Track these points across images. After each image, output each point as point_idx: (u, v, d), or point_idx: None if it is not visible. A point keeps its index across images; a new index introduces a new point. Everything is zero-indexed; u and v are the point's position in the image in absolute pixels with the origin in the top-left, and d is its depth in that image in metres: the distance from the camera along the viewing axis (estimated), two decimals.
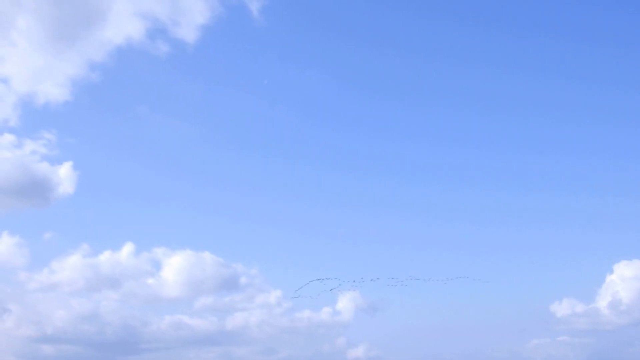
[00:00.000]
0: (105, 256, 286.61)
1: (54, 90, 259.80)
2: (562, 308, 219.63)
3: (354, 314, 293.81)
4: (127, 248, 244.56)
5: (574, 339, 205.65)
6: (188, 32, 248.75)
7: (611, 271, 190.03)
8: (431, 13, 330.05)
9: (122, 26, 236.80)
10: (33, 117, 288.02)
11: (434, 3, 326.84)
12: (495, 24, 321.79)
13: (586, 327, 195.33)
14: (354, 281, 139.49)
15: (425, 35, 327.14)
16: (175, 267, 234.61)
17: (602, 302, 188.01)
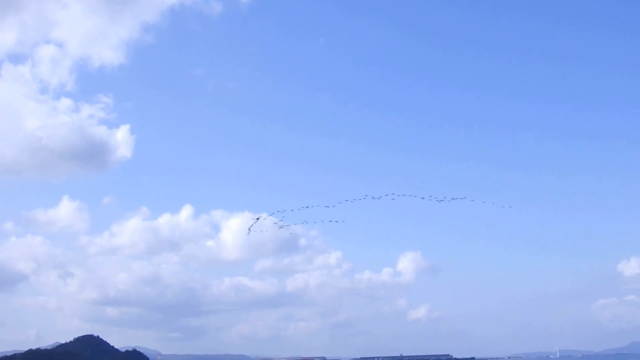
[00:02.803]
0: (164, 219, 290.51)
1: (108, 53, 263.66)
2: (631, 267, 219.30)
3: (415, 275, 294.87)
4: (186, 211, 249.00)
5: None
6: None
7: None
8: None
9: None
10: (89, 81, 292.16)
11: None
12: None
13: None
14: (306, 207, 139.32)
15: None
16: (234, 230, 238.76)
17: None
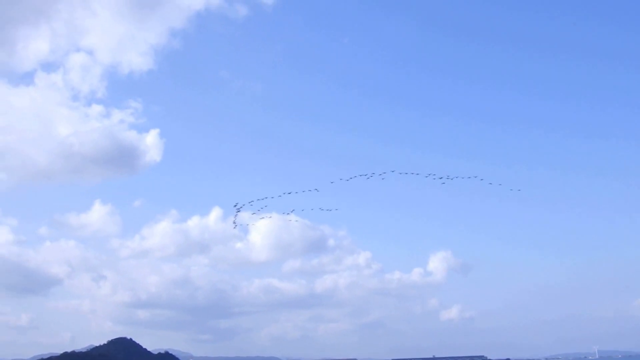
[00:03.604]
0: (194, 221, 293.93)
1: (137, 59, 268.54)
2: None
3: (446, 275, 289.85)
4: (215, 213, 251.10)
5: None
6: None
7: None
8: None
9: None
10: (119, 87, 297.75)
11: None
12: None
13: None
14: (299, 192, 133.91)
15: None
16: (263, 231, 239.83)
17: None
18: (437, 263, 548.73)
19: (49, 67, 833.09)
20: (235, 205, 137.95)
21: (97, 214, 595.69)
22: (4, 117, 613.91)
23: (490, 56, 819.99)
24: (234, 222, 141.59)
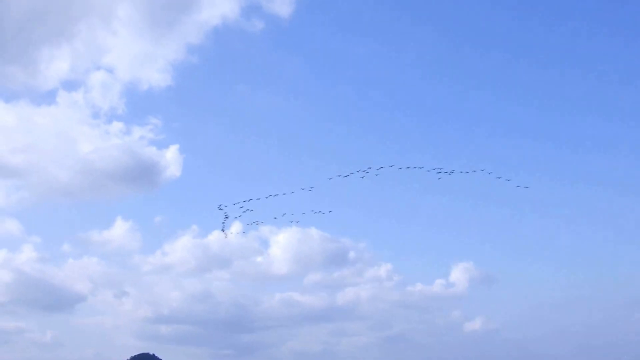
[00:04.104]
0: (214, 236, 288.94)
1: (156, 75, 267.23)
2: None
3: (469, 286, 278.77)
4: (235, 227, 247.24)
5: None
6: (282, 7, 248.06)
7: None
8: None
9: (217, 6, 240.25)
10: (139, 104, 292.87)
11: None
12: None
13: None
14: (292, 192, 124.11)
15: None
16: (283, 245, 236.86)
17: None
18: (459, 274, 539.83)
19: (70, 86, 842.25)
20: (219, 208, 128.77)
21: (119, 231, 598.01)
22: (26, 136, 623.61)
23: (509, 64, 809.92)
24: (224, 231, 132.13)
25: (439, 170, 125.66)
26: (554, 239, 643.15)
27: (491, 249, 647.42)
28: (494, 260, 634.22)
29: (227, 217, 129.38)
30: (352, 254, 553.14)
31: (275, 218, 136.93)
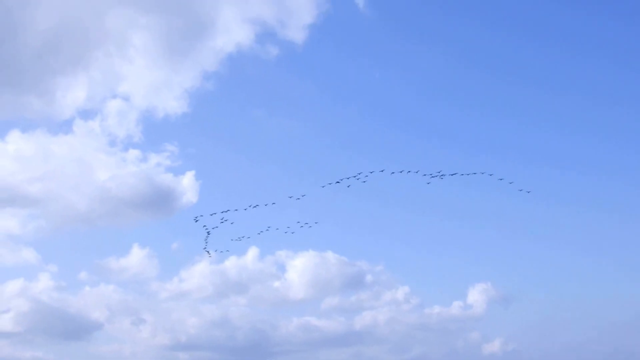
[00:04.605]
0: (231, 262, 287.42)
1: (172, 103, 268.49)
2: None
3: (487, 307, 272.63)
4: (252, 252, 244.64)
5: None
6: (296, 33, 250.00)
7: None
8: None
9: (231, 33, 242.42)
10: (155, 131, 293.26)
11: None
12: None
13: None
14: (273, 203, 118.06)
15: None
16: (300, 269, 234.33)
17: None
18: (477, 295, 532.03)
19: (86, 114, 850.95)
20: (195, 220, 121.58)
21: (136, 258, 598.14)
22: (44, 165, 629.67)
23: (520, 90, 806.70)
24: (206, 250, 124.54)
25: (436, 173, 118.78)
26: (574, 256, 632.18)
27: (508, 269, 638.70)
28: (512, 280, 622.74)
29: (209, 233, 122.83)
30: (369, 277, 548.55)
31: (259, 233, 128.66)
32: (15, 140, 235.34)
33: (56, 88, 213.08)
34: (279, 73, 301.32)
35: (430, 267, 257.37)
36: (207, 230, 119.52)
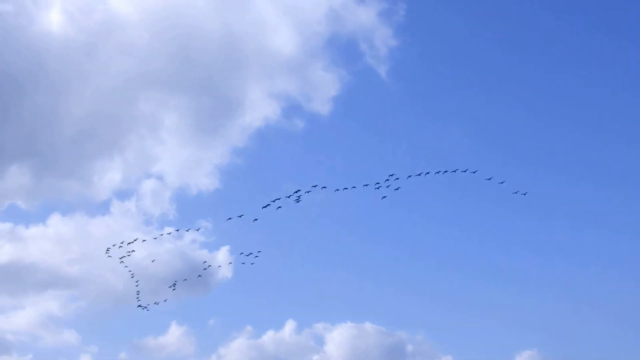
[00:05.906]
0: (269, 336, 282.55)
1: (204, 180, 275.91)
2: None
3: None
4: (289, 326, 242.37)
5: None
6: (321, 105, 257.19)
7: None
8: None
9: (259, 109, 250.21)
10: (188, 208, 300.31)
11: None
12: None
13: None
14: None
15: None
16: (338, 341, 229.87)
17: None
18: None
19: (122, 195, 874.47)
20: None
21: (174, 336, 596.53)
22: (82, 246, 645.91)
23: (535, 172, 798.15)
24: (139, 303, 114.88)
25: (445, 172, 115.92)
26: (621, 323, 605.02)
27: (555, 335, 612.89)
28: (560, 347, 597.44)
29: (137, 286, 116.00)
30: (409, 347, 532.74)
31: (256, 256, 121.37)
32: (55, 224, 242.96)
33: (93, 171, 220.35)
34: (307, 145, 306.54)
35: (474, 333, 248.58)
36: (136, 282, 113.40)
